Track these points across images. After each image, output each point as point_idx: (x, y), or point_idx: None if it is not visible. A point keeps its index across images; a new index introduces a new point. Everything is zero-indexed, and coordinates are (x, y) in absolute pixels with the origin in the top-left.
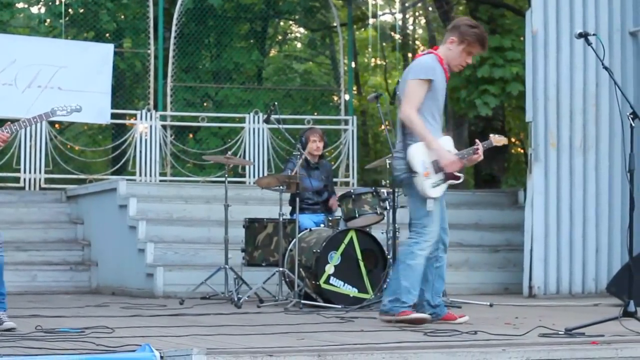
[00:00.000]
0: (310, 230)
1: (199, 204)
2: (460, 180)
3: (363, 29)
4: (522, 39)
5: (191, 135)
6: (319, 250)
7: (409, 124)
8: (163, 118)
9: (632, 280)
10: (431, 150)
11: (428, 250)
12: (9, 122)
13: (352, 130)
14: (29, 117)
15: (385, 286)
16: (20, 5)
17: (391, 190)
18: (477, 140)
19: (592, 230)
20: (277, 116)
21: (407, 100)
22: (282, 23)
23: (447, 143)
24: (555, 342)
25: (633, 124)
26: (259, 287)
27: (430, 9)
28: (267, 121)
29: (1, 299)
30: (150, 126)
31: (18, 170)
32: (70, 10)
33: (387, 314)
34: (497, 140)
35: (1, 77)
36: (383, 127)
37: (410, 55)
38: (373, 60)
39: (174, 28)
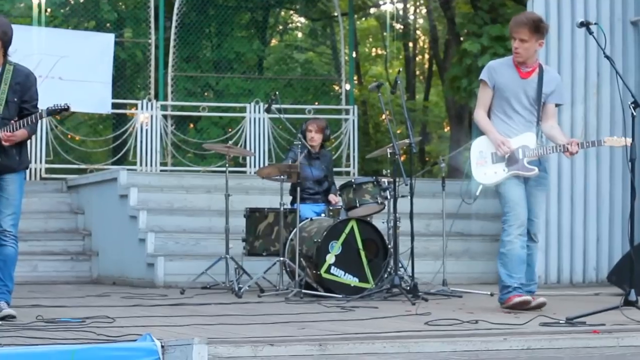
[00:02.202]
0: (311, 219)
1: (200, 194)
2: (532, 173)
3: (364, 19)
4: None
5: (192, 125)
6: (319, 240)
7: (476, 123)
8: (164, 108)
9: (633, 269)
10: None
11: (514, 235)
12: (13, 121)
13: (353, 120)
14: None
15: (385, 276)
16: None
17: (392, 179)
18: (574, 140)
19: (593, 219)
20: (278, 106)
21: (477, 102)
22: (283, 12)
23: (527, 138)
24: (557, 331)
25: (634, 113)
26: (259, 277)
27: None
28: (268, 111)
29: (5, 290)
30: (151, 116)
31: None
32: None
33: (502, 305)
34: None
35: None
36: (384, 116)
37: (410, 44)
38: (374, 49)
39: (174, 17)
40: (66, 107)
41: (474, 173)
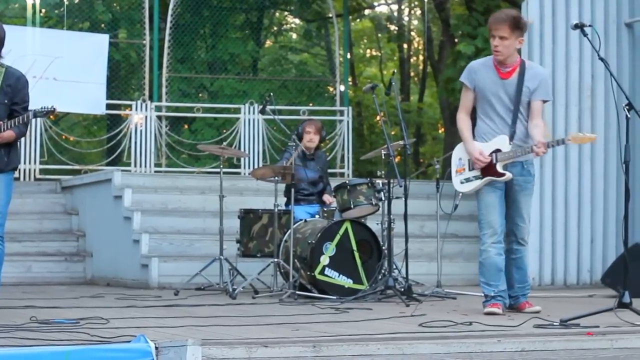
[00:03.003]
0: (305, 221)
1: (194, 195)
2: (504, 178)
3: (359, 20)
4: None
5: (186, 126)
6: (314, 241)
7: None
8: (158, 109)
9: (627, 271)
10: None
11: (488, 243)
12: (1, 122)
13: (348, 121)
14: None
15: (380, 277)
16: None
17: (386, 181)
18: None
19: (587, 221)
20: (272, 107)
21: (459, 105)
22: (277, 14)
23: (500, 141)
24: (551, 333)
25: (628, 115)
26: (253, 278)
27: None
28: (262, 112)
29: None
30: (146, 117)
31: None
32: (65, 0)
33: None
34: (576, 138)
35: None
36: (378, 118)
37: (405, 46)
38: (368, 51)
39: (169, 18)
40: (52, 109)
41: (453, 181)
